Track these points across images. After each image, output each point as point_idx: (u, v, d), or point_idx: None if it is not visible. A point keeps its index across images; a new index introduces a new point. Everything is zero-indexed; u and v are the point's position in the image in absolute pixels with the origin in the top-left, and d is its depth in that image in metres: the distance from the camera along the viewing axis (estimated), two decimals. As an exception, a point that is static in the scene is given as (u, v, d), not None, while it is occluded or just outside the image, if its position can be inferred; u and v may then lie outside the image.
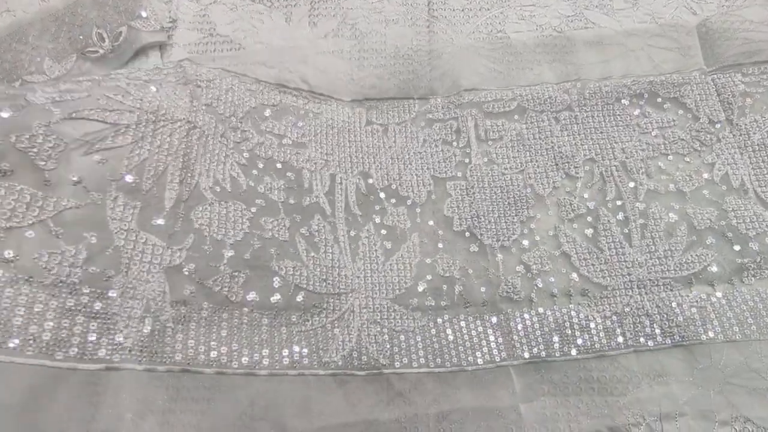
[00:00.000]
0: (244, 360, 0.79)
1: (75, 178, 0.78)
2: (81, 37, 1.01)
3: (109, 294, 0.75)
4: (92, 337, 0.73)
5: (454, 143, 0.99)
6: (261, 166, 0.92)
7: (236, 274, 0.82)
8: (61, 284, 0.73)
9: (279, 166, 0.93)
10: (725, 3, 1.11)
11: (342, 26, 1.10)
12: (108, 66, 1.01)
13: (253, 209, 0.88)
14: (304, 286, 0.85)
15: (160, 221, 0.82)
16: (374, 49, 1.08)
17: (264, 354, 0.80)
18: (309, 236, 0.89)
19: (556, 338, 0.85)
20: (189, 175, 0.86)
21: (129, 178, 0.81)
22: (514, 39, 1.09)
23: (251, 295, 0.82)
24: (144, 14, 1.06)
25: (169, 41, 1.06)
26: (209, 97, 0.93)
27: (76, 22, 1.02)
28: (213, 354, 0.78)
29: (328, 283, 0.86)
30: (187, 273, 0.80)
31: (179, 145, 0.87)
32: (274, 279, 0.84)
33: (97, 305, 0.74)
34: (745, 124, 0.98)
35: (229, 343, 0.79)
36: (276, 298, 0.83)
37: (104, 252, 0.77)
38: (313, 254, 0.87)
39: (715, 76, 1.02)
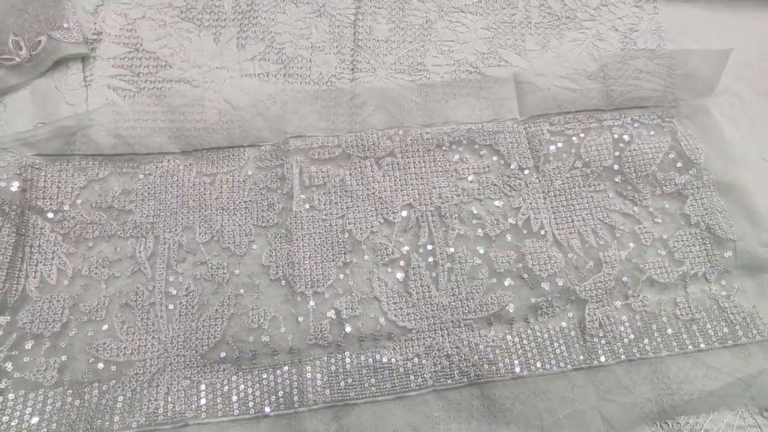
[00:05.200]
0: None
1: None
2: None
3: None
4: None
5: (279, 190, 1.00)
6: (90, 245, 0.95)
7: (50, 360, 0.86)
8: None
9: (105, 244, 0.95)
10: (620, 52, 1.16)
11: (269, 50, 1.13)
12: (24, 75, 1.00)
13: (75, 296, 0.91)
14: (114, 358, 0.88)
15: None
16: (299, 75, 1.11)
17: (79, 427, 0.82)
18: (126, 306, 0.91)
19: (356, 383, 0.89)
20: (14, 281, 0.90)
21: None
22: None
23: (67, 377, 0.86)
24: (66, 25, 1.03)
25: (92, 54, 1.06)
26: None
27: (-10, 28, 0.98)
28: None
29: (142, 350, 0.89)
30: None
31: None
32: (90, 360, 0.87)
33: None
34: (549, 171, 1.05)
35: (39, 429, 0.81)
36: (89, 376, 0.86)
37: None
38: (127, 326, 0.90)
39: (527, 125, 1.08)
